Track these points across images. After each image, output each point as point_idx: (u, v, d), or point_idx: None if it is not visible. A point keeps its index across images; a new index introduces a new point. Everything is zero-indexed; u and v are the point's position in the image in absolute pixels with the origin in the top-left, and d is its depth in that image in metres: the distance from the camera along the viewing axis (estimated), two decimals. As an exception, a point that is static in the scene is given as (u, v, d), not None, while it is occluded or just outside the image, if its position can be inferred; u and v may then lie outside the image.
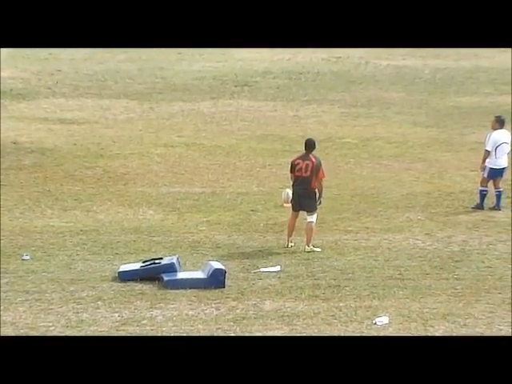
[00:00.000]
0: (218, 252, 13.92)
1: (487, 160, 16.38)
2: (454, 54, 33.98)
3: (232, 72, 29.88)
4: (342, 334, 10.71)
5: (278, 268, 13.25)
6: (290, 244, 14.17)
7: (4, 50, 31.75)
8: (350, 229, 15.20)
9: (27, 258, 13.45)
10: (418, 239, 14.65)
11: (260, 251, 14.04)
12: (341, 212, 16.18)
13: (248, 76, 29.32)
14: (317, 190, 14.09)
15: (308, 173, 13.85)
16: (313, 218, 14.07)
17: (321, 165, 14.01)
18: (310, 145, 14.07)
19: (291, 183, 14.26)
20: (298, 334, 10.68)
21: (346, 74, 30.15)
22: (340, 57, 33.15)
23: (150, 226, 15.16)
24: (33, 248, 13.89)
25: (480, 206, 16.38)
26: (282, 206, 16.39)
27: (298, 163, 13.97)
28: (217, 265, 12.68)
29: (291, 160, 14.30)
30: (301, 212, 14.33)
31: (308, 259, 13.67)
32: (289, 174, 14.40)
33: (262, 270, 13.16)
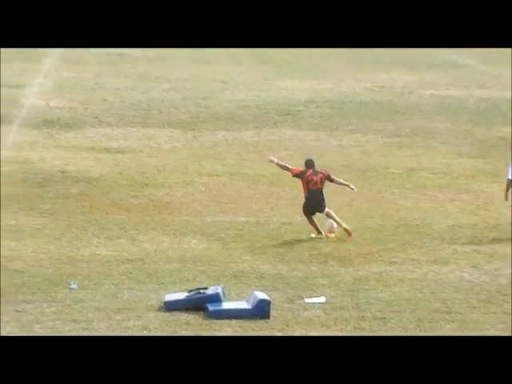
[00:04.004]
0: (262, 282, 13.93)
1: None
2: (499, 84, 33.78)
3: (275, 101, 29.98)
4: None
5: (322, 299, 13.21)
6: (320, 232, 16.14)
7: (51, 80, 32.24)
8: (395, 260, 15.13)
9: (74, 286, 13.57)
10: (464, 271, 14.53)
11: (304, 281, 14.03)
12: (385, 243, 16.12)
13: (291, 105, 29.39)
14: (340, 182, 16.66)
15: (322, 184, 16.41)
16: (326, 208, 16.46)
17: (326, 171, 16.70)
18: (311, 163, 16.62)
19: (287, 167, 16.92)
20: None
21: (389, 104, 30.09)
22: (383, 86, 33.12)
23: (195, 256, 15.23)
24: (80, 277, 14.02)
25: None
26: (326, 236, 16.40)
27: (312, 178, 16.37)
28: (262, 295, 12.69)
29: (304, 172, 16.46)
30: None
31: (353, 290, 13.62)
32: (288, 173, 17.09)
33: (306, 300, 13.14)
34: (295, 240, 16.26)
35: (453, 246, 15.94)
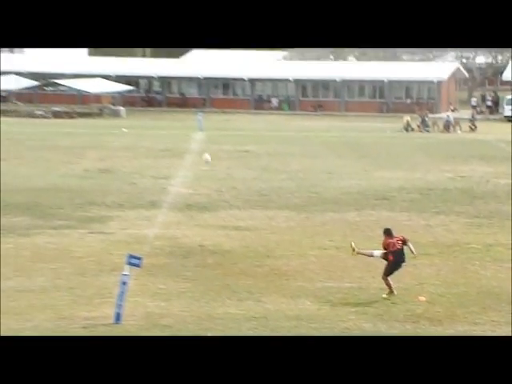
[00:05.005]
0: (365, 338, 13.92)
1: None
2: None
3: (373, 188, 30.13)
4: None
5: (416, 353, 13.11)
6: (392, 291, 16.43)
7: (192, 172, 33.29)
8: (477, 321, 14.91)
9: (212, 338, 13.85)
10: (539, 332, 14.15)
11: (400, 338, 13.95)
12: (469, 306, 15.91)
13: (386, 191, 29.47)
14: (409, 246, 16.71)
15: (399, 245, 16.65)
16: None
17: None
18: (386, 231, 17.01)
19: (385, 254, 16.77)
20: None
21: (469, 190, 29.81)
22: (464, 176, 32.90)
23: (308, 315, 15.38)
24: (215, 331, 14.36)
25: None
26: (417, 300, 16.32)
27: (391, 242, 16.70)
28: (365, 348, 12.68)
29: (385, 240, 16.80)
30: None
31: (441, 346, 13.46)
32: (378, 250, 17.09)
33: (402, 354, 13.05)
34: (392, 303, 16.22)
35: (528, 310, 15.57)
